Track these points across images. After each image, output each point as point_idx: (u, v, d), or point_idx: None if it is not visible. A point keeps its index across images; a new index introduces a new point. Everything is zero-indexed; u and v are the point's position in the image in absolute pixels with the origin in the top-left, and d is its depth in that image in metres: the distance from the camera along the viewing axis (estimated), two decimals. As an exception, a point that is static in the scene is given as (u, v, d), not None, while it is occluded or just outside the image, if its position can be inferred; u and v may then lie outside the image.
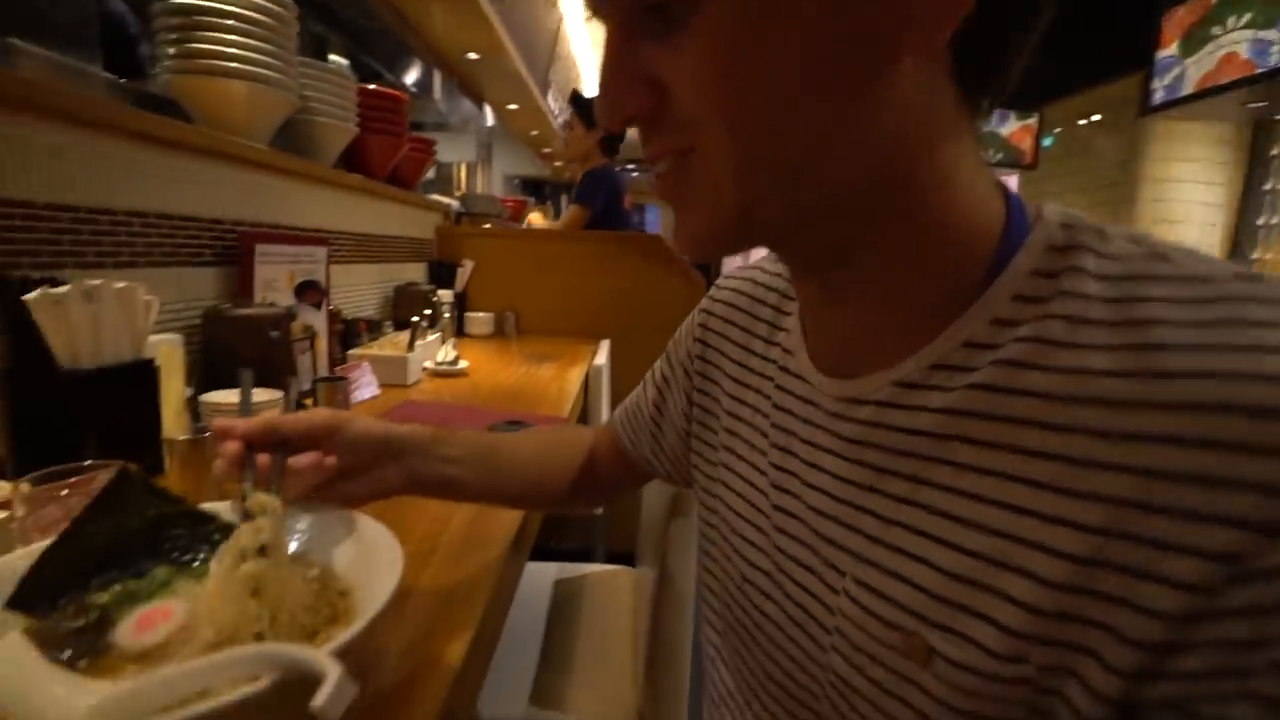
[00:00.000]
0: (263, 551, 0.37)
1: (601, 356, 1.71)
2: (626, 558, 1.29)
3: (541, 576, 1.19)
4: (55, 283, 0.72)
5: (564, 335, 2.18)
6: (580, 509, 0.70)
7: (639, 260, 2.20)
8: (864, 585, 0.34)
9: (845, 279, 0.35)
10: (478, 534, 0.68)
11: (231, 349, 1.00)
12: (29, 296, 0.70)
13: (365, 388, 1.31)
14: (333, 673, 0.25)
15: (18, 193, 0.78)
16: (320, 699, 0.24)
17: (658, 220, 6.04)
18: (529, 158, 7.37)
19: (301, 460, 0.42)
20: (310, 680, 0.25)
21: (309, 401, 1.09)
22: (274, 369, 1.00)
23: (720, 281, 0.54)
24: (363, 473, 0.48)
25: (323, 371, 1.23)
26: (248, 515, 0.39)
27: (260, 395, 0.82)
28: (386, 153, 1.66)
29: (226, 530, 0.42)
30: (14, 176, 0.78)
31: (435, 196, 2.46)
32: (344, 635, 0.31)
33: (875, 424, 0.35)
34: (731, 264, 0.57)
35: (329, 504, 0.47)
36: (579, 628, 1.07)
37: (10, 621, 0.36)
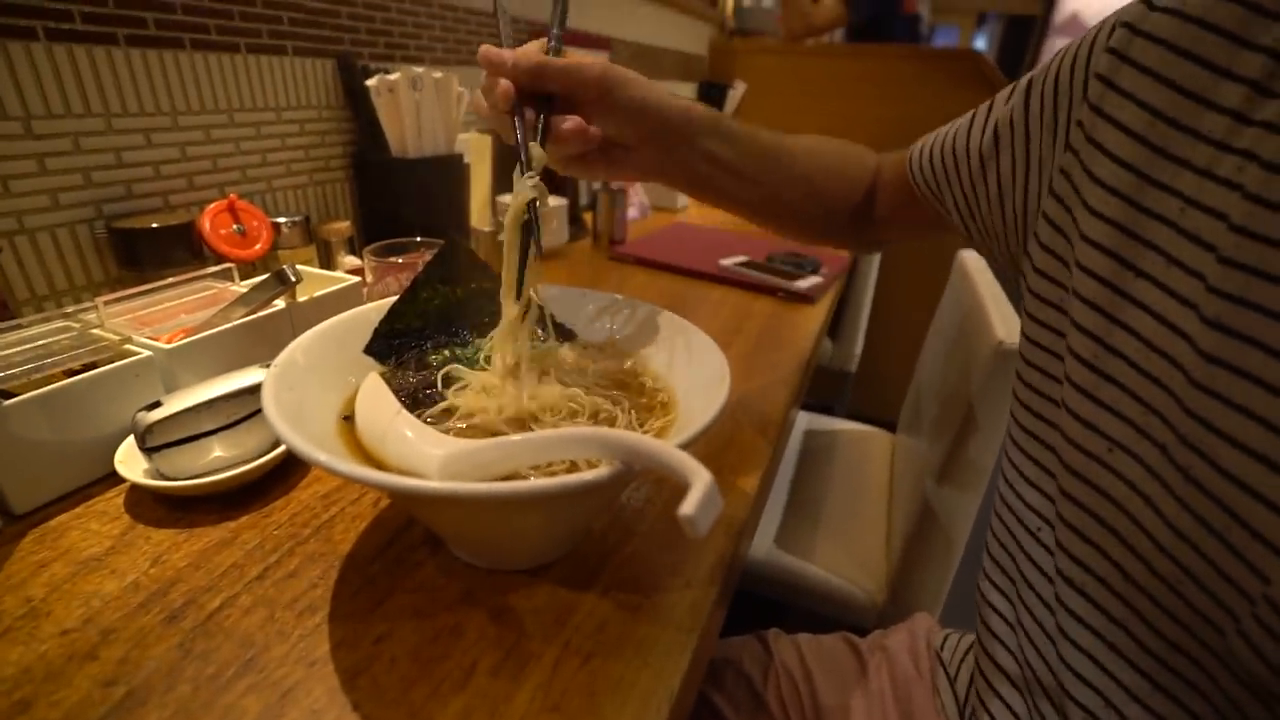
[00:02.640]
0: (531, 209, 0.36)
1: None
2: (867, 422, 1.20)
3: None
4: (387, 73, 0.77)
5: (835, 173, 1.95)
6: (852, 244, 0.56)
7: (944, 82, 1.81)
8: None
9: None
10: (762, 364, 0.63)
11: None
12: (369, 81, 0.76)
13: (633, 208, 1.29)
14: (702, 478, 0.20)
15: (357, -22, 0.82)
16: (689, 506, 0.19)
17: (953, 39, 4.73)
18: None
19: (565, 125, 0.37)
20: (657, 474, 0.20)
21: (588, 215, 1.11)
22: (559, 176, 1.01)
23: None
24: (633, 149, 0.41)
25: (596, 187, 1.23)
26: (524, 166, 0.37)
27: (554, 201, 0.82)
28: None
29: (539, 312, 0.40)
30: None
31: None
32: (687, 431, 0.27)
33: None
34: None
35: (649, 305, 0.44)
36: (829, 481, 1.01)
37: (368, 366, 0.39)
